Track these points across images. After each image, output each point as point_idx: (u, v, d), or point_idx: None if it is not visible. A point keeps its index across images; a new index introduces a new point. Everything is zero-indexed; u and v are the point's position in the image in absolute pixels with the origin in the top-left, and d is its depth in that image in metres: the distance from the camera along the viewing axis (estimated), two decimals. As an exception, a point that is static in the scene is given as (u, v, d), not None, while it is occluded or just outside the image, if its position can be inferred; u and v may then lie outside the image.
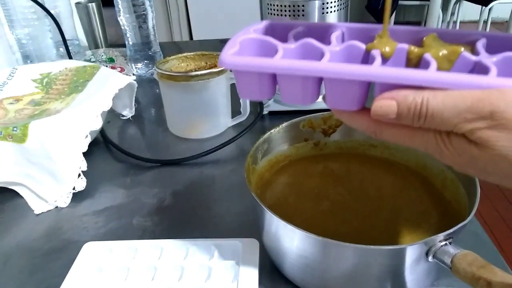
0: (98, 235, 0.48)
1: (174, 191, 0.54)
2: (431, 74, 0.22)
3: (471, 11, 3.51)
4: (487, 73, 0.22)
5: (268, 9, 0.63)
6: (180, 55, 0.67)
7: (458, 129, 0.22)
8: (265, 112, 0.69)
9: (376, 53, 0.25)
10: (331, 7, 0.60)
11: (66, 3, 0.93)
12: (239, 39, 0.28)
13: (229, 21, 2.23)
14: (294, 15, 0.60)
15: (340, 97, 0.25)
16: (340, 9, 0.62)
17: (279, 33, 0.30)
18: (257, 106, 0.69)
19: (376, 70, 0.23)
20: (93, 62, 0.94)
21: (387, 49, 0.26)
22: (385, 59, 0.26)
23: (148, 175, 0.58)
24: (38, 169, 0.52)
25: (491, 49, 0.25)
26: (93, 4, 1.01)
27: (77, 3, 1.01)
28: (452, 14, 3.16)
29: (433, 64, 0.23)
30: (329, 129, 0.49)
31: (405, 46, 0.26)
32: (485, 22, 3.07)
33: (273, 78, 0.26)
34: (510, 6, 2.69)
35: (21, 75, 0.68)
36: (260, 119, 0.65)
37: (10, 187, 0.54)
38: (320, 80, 0.25)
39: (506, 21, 2.83)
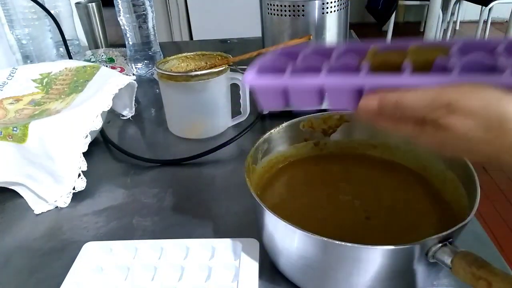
0: (98, 235, 0.48)
1: (174, 191, 0.54)
2: (403, 78, 0.28)
3: (471, 11, 3.51)
4: (451, 71, 0.28)
5: (268, 9, 0.63)
6: (180, 55, 0.67)
7: (427, 117, 0.27)
8: (265, 112, 0.69)
9: (364, 65, 0.31)
10: (331, 7, 0.60)
11: (66, 3, 0.93)
12: (260, 62, 0.34)
13: (229, 21, 2.23)
14: (294, 15, 0.60)
15: (338, 101, 0.31)
16: (340, 9, 0.62)
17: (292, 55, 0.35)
18: (257, 106, 0.69)
19: (361, 79, 0.30)
20: (93, 62, 0.94)
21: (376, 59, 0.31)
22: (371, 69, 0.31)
23: (148, 175, 0.58)
24: (38, 169, 0.52)
25: (464, 50, 0.30)
26: (93, 4, 1.01)
27: (77, 3, 1.01)
28: (452, 14, 3.16)
29: (407, 69, 0.29)
30: (329, 129, 0.49)
31: (389, 57, 0.31)
32: (485, 22, 3.08)
33: (285, 92, 0.33)
34: (510, 6, 2.69)
35: (21, 75, 0.68)
36: (260, 119, 0.65)
37: (10, 187, 0.54)
38: (321, 90, 0.31)
39: (506, 21, 2.83)
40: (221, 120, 0.66)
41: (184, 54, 0.67)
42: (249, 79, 0.33)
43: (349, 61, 0.32)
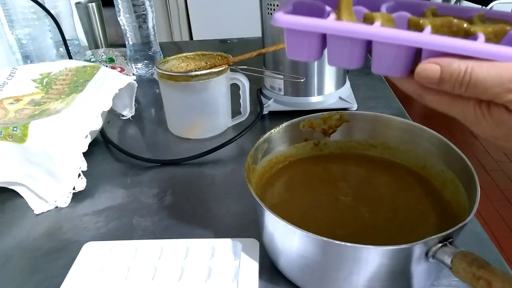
0: (98, 235, 0.48)
1: (174, 191, 0.54)
2: (479, 45, 0.23)
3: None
4: None
5: (268, 9, 0.63)
6: (180, 55, 0.67)
7: (499, 98, 0.22)
8: (265, 112, 0.69)
9: (425, 22, 0.26)
10: (331, 7, 0.60)
11: (66, 3, 0.93)
12: (293, 1, 0.29)
13: (229, 21, 2.23)
14: (294, 15, 0.60)
15: (387, 63, 0.26)
16: (340, 9, 0.62)
17: (329, 2, 0.31)
18: (257, 106, 0.69)
19: (427, 37, 0.24)
20: (93, 62, 0.94)
21: (437, 21, 0.27)
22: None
23: (148, 175, 0.58)
24: (38, 169, 0.52)
25: None
26: (93, 4, 1.01)
27: (77, 3, 1.01)
28: (452, 14, 3.16)
29: (481, 37, 0.24)
30: (329, 129, 0.49)
31: (454, 20, 0.26)
32: (485, 22, 3.07)
33: (323, 40, 0.27)
34: (510, 6, 2.69)
35: (21, 75, 0.68)
36: (260, 119, 0.65)
37: (10, 187, 0.54)
38: (368, 45, 0.26)
39: (506, 21, 2.82)
40: (221, 120, 0.66)
41: (184, 54, 0.67)
42: (280, 15, 0.27)
43: (404, 16, 0.27)
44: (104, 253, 0.42)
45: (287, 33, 0.28)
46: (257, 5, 0.66)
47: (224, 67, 0.62)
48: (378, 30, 0.25)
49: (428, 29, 0.25)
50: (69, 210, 0.52)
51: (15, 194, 0.54)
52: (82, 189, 0.54)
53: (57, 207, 0.53)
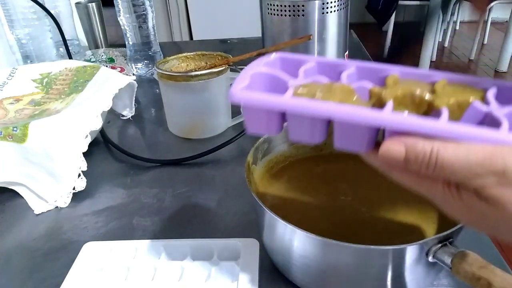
0: (98, 235, 0.48)
1: (174, 191, 0.54)
2: (444, 125, 0.22)
3: (471, 11, 3.51)
4: (498, 126, 0.22)
5: (268, 9, 0.63)
6: (180, 55, 0.67)
7: (468, 183, 0.21)
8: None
9: (387, 96, 0.25)
10: (331, 7, 0.60)
11: (66, 3, 0.93)
12: (250, 72, 0.28)
13: (229, 21, 2.23)
14: (294, 15, 0.60)
15: (349, 140, 0.25)
16: (340, 9, 0.62)
17: (290, 67, 0.30)
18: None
19: (388, 116, 0.23)
20: (93, 62, 0.94)
21: (399, 92, 0.26)
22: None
23: (148, 175, 0.58)
24: (38, 169, 0.52)
25: (501, 97, 0.25)
26: (93, 4, 1.01)
27: (77, 3, 1.01)
28: (452, 14, 3.16)
29: (445, 114, 0.23)
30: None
31: (416, 91, 0.26)
32: (485, 22, 3.08)
33: (282, 115, 0.27)
34: (510, 6, 2.69)
35: (21, 75, 0.68)
36: (260, 119, 0.65)
37: (10, 187, 0.54)
38: (329, 120, 0.25)
39: (506, 21, 2.83)
40: (221, 120, 0.66)
41: (184, 54, 0.67)
42: (237, 91, 0.26)
43: (365, 87, 0.27)
44: (104, 253, 0.42)
45: (245, 108, 0.27)
46: (257, 5, 0.66)
47: (224, 67, 0.62)
48: (337, 109, 0.24)
49: (390, 104, 0.24)
50: (69, 210, 0.52)
51: (15, 194, 0.54)
52: (82, 189, 0.54)
53: (57, 207, 0.53)
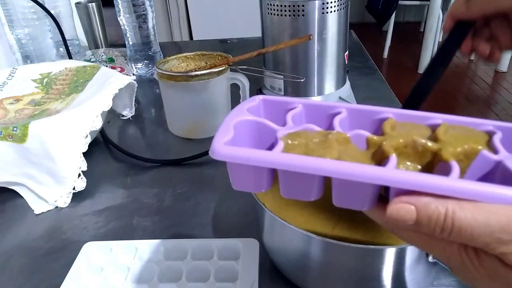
0: (98, 235, 0.48)
1: (174, 191, 0.54)
2: (458, 184, 0.19)
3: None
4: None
5: (268, 9, 0.63)
6: (180, 55, 0.67)
7: (490, 249, 0.19)
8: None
9: (388, 149, 0.23)
10: (331, 7, 0.60)
11: (66, 3, 0.93)
12: (233, 122, 0.26)
13: (229, 21, 2.23)
14: (294, 15, 0.60)
15: (350, 198, 0.23)
16: (340, 9, 0.62)
17: (275, 110, 0.28)
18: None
19: (394, 175, 0.20)
20: (93, 62, 0.94)
21: (400, 141, 0.24)
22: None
23: (148, 175, 0.58)
24: (38, 169, 0.52)
25: (507, 142, 0.24)
26: (93, 4, 1.01)
27: (77, 3, 1.01)
28: (452, 14, 3.15)
29: (456, 169, 0.21)
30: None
31: (418, 140, 0.23)
32: (485, 22, 3.06)
33: (272, 170, 0.24)
34: (510, 6, 2.68)
35: (21, 75, 0.68)
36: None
37: (10, 187, 0.54)
38: (325, 176, 0.23)
39: (506, 21, 2.82)
40: (221, 120, 0.66)
41: (184, 54, 0.67)
42: (220, 147, 0.23)
43: (361, 134, 0.24)
44: (104, 253, 0.42)
45: (231, 165, 0.24)
46: (257, 5, 0.66)
47: (224, 67, 0.62)
48: (338, 167, 0.21)
49: (393, 159, 0.22)
50: (69, 210, 0.52)
51: (15, 194, 0.54)
52: (82, 189, 0.54)
53: (57, 207, 0.53)
